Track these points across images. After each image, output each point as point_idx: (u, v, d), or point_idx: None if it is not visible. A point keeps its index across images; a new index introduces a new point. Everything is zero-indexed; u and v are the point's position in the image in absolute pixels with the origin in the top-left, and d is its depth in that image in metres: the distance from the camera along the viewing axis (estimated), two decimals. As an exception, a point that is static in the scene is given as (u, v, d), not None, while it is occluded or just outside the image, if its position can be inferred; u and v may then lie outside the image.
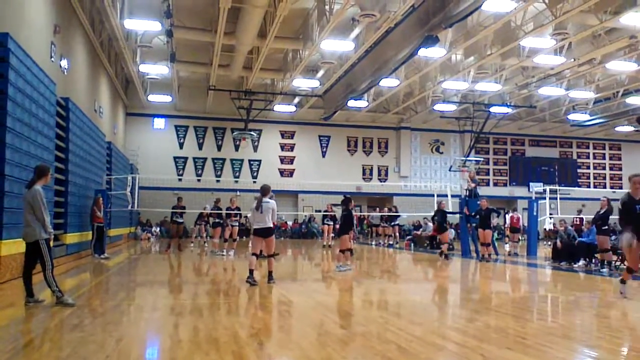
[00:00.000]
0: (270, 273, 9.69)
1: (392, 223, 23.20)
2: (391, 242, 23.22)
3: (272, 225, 9.66)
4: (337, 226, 16.83)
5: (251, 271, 9.50)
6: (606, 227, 12.63)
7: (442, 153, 34.50)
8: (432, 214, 18.28)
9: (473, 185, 18.12)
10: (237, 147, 30.48)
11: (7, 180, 9.26)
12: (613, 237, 13.48)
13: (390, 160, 33.66)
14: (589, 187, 35.35)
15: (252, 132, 27.51)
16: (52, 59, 13.08)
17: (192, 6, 18.71)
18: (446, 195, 20.95)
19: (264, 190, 9.76)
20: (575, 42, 20.08)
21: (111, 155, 20.90)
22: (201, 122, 30.57)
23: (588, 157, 37.23)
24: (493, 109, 26.90)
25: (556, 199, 20.14)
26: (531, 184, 32.87)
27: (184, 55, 22.57)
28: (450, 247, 20.48)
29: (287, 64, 23.32)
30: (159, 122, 30.19)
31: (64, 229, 13.60)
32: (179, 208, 18.00)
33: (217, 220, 17.44)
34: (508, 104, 28.26)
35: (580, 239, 14.23)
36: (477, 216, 16.01)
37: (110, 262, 14.28)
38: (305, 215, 30.86)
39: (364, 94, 23.92)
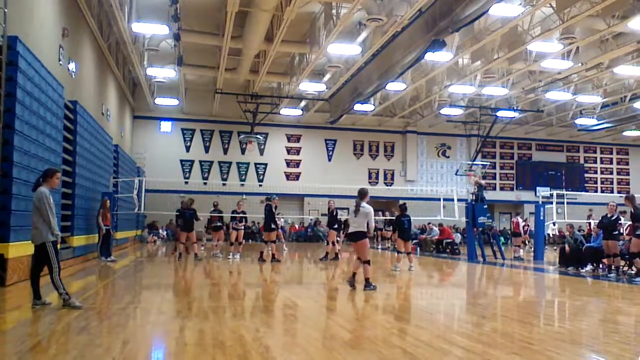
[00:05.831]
0: (367, 280, 9.28)
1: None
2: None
3: (363, 230, 9.30)
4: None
5: (353, 274, 9.61)
6: (617, 232, 12.57)
7: (448, 157, 34.43)
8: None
9: (482, 182, 18.05)
10: (243, 151, 30.55)
11: (15, 182, 9.29)
12: (621, 242, 13.39)
13: (397, 164, 33.63)
14: (596, 191, 35.14)
15: (258, 136, 27.57)
16: (61, 62, 13.15)
17: (199, 10, 18.79)
18: (452, 200, 20.85)
19: (362, 195, 9.44)
20: (583, 47, 20.01)
21: (118, 158, 21.00)
22: (208, 125, 30.70)
23: (595, 162, 37.05)
24: (500, 113, 26.85)
25: (563, 203, 20.06)
26: (538, 188, 32.75)
27: (191, 58, 22.66)
28: (457, 250, 20.49)
29: (294, 68, 23.36)
30: (166, 125, 30.34)
31: (71, 232, 13.65)
32: None
33: (217, 224, 17.42)
34: (515, 108, 28.21)
35: (588, 244, 14.13)
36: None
37: (117, 264, 14.32)
38: (311, 219, 30.86)
39: (370, 97, 23.93)
